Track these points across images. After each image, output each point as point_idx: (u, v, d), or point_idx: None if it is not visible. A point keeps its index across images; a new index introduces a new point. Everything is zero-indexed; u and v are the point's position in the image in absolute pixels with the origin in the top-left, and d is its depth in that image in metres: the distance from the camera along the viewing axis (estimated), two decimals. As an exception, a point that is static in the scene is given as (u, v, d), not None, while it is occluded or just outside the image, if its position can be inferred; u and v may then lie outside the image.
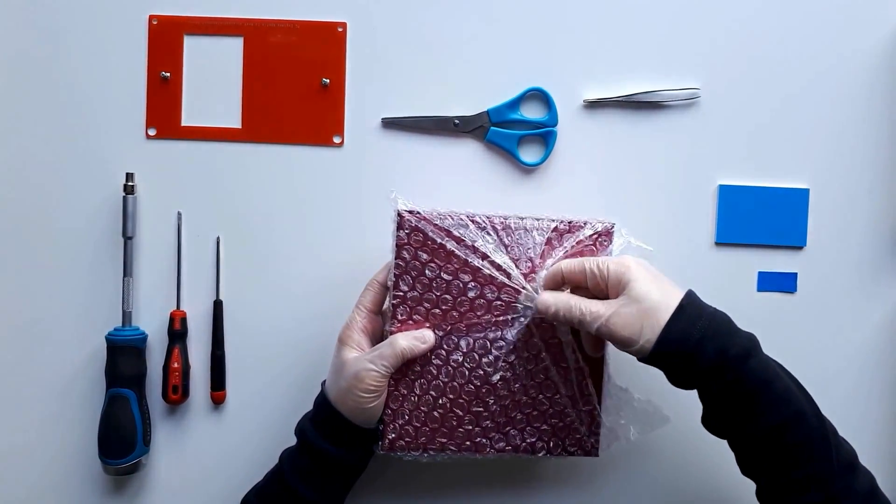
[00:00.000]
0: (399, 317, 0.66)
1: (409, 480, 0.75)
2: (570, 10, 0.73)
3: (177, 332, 0.73)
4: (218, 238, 0.75)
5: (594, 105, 0.74)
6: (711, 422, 0.61)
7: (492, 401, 0.67)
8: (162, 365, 0.73)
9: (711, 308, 0.60)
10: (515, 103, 0.73)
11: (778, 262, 0.74)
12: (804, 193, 0.73)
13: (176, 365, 0.72)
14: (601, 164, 0.74)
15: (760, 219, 0.73)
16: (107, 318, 0.74)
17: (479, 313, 0.66)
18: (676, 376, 0.60)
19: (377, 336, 0.68)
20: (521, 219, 0.67)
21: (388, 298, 0.67)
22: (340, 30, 0.74)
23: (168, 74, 0.74)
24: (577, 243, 0.66)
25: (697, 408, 0.62)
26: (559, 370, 0.68)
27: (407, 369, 0.66)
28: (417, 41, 0.74)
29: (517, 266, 0.66)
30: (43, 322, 0.75)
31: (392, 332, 0.66)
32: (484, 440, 0.67)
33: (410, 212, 0.66)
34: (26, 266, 0.75)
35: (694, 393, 0.61)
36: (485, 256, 0.66)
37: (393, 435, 0.66)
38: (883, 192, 0.73)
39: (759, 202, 0.73)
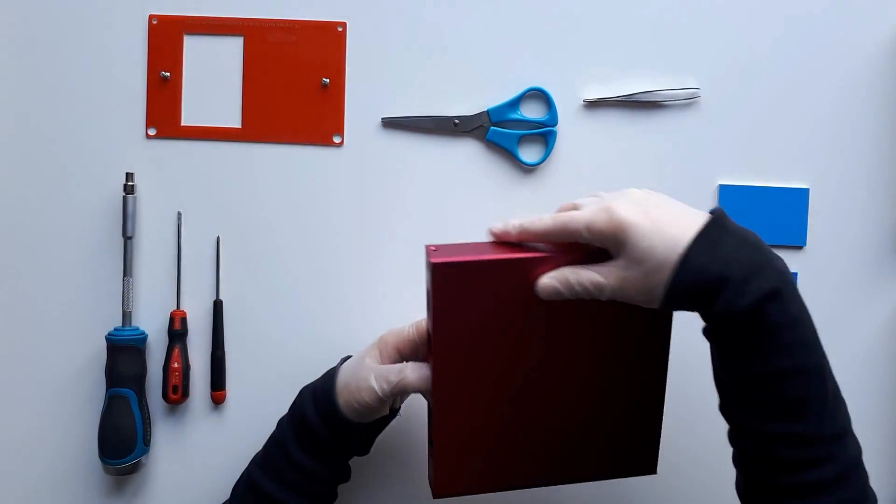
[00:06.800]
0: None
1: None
2: (570, 10, 0.73)
3: (177, 332, 0.73)
4: (218, 238, 0.75)
5: (594, 105, 0.74)
6: (718, 363, 0.56)
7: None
8: (162, 365, 0.73)
9: (731, 244, 0.53)
10: (515, 103, 0.73)
11: (778, 261, 0.74)
12: (804, 193, 0.73)
13: (176, 365, 0.72)
14: (601, 163, 0.74)
15: (760, 219, 0.73)
16: (107, 318, 0.74)
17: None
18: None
19: (408, 355, 0.64)
20: None
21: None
22: (340, 29, 0.74)
23: (168, 74, 0.74)
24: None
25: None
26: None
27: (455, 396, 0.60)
28: (417, 41, 0.74)
29: None
30: (43, 322, 0.75)
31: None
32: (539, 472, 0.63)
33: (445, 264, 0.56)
34: (26, 266, 0.75)
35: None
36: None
37: (444, 479, 0.62)
38: (883, 192, 0.73)
39: (759, 202, 0.73)
